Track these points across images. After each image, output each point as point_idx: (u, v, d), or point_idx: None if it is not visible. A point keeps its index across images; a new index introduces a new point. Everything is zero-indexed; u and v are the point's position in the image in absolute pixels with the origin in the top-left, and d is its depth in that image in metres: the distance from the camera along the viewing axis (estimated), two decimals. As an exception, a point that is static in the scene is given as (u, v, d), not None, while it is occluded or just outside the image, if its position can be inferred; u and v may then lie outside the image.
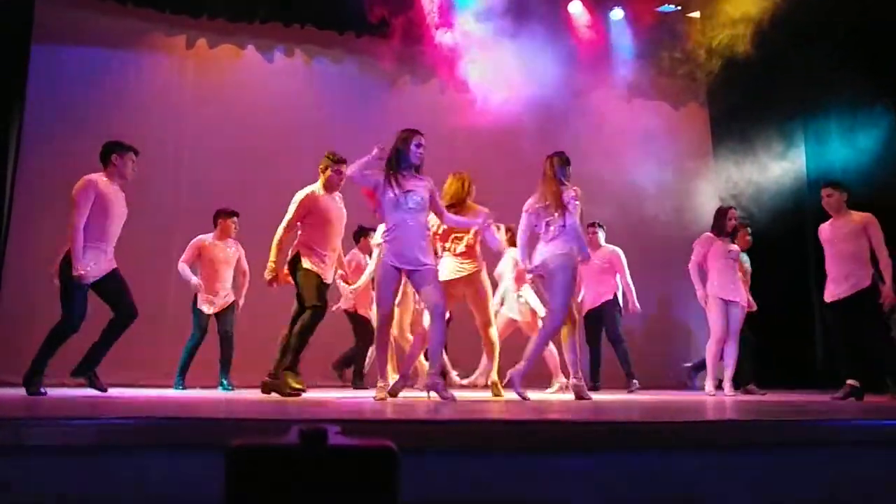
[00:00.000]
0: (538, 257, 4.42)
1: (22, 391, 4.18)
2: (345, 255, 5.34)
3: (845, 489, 1.84)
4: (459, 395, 4.41)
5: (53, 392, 4.47)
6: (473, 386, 5.70)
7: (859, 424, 2.11)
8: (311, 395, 4.62)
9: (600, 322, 6.43)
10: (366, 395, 4.58)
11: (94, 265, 4.24)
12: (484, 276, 4.67)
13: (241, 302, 5.99)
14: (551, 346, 5.44)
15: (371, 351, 6.23)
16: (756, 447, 1.87)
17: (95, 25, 7.26)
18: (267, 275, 4.67)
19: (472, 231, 4.52)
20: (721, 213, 5.66)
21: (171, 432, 1.74)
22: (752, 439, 1.90)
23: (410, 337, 5.86)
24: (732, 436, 1.91)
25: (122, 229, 4.44)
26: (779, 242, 7.31)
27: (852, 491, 1.85)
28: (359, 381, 6.39)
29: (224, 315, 5.78)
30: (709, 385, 5.39)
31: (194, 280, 5.69)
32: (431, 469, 1.64)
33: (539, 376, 5.51)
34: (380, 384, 4.00)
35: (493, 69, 7.10)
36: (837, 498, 1.84)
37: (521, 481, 1.71)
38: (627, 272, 6.39)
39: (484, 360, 5.56)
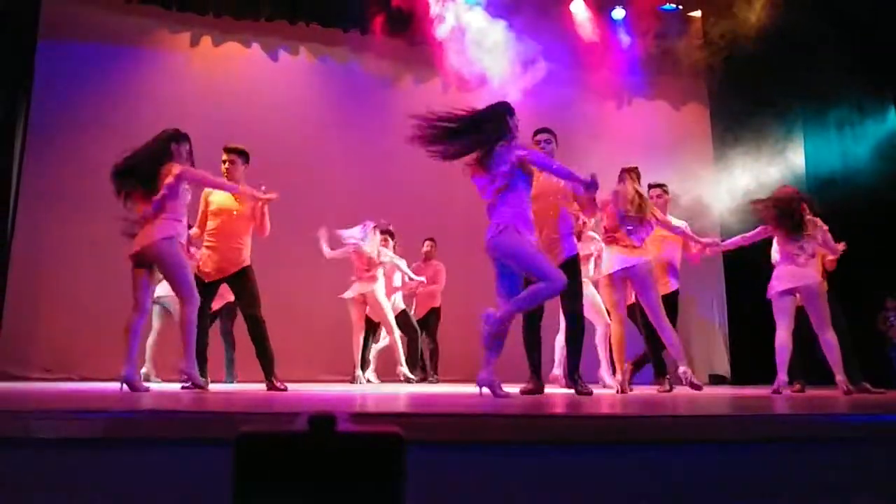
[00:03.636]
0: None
1: (30, 384, 4.21)
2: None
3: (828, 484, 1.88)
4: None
5: (60, 386, 4.52)
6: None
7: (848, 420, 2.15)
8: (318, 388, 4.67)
9: None
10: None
11: None
12: None
13: None
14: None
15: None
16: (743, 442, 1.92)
17: (101, 22, 7.32)
18: None
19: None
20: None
21: (180, 425, 1.77)
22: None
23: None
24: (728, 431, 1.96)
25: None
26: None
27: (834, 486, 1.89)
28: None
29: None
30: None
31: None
32: (438, 462, 1.68)
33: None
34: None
35: (495, 68, 7.14)
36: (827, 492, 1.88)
37: (528, 475, 1.75)
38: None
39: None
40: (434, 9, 7.55)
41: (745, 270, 8.05)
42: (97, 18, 7.31)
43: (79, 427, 1.75)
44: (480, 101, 7.22)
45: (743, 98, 8.00)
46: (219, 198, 4.51)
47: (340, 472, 0.97)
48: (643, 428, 1.93)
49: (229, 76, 7.74)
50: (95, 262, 6.89)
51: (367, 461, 0.97)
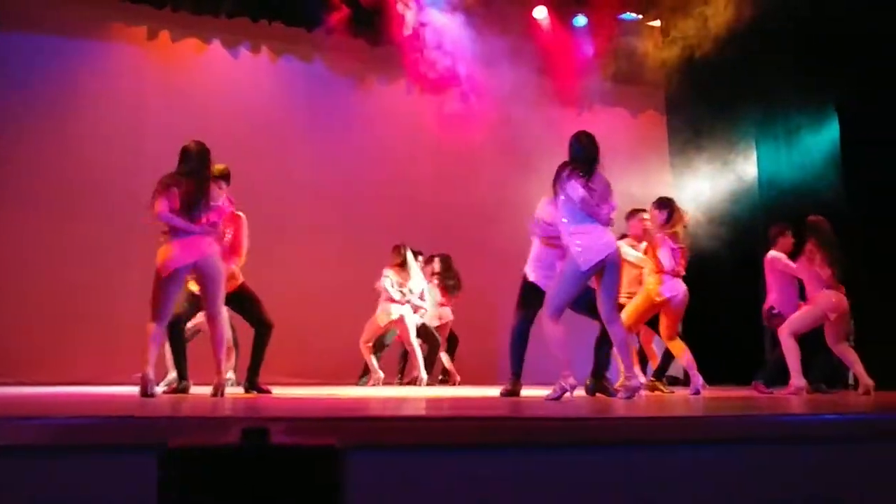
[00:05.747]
0: None
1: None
2: None
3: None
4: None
5: (6, 391, 4.34)
6: None
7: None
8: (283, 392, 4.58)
9: None
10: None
11: None
12: None
13: None
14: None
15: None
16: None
17: (52, 12, 7.05)
18: None
19: None
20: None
21: (105, 432, 1.71)
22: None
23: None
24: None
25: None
26: (732, 247, 7.48)
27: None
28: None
29: None
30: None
31: None
32: (381, 466, 1.66)
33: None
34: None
35: (457, 72, 7.16)
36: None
37: (476, 478, 1.73)
38: None
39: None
40: (398, 9, 7.53)
41: (699, 274, 8.22)
42: (48, 8, 7.05)
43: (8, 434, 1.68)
44: (444, 102, 7.31)
45: (699, 106, 8.18)
46: None
47: (273, 486, 0.94)
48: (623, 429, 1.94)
49: (188, 73, 7.57)
50: (45, 264, 6.67)
51: (301, 475, 0.94)
